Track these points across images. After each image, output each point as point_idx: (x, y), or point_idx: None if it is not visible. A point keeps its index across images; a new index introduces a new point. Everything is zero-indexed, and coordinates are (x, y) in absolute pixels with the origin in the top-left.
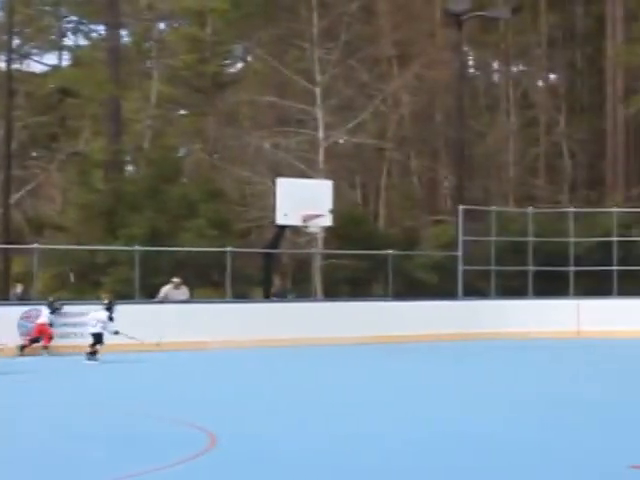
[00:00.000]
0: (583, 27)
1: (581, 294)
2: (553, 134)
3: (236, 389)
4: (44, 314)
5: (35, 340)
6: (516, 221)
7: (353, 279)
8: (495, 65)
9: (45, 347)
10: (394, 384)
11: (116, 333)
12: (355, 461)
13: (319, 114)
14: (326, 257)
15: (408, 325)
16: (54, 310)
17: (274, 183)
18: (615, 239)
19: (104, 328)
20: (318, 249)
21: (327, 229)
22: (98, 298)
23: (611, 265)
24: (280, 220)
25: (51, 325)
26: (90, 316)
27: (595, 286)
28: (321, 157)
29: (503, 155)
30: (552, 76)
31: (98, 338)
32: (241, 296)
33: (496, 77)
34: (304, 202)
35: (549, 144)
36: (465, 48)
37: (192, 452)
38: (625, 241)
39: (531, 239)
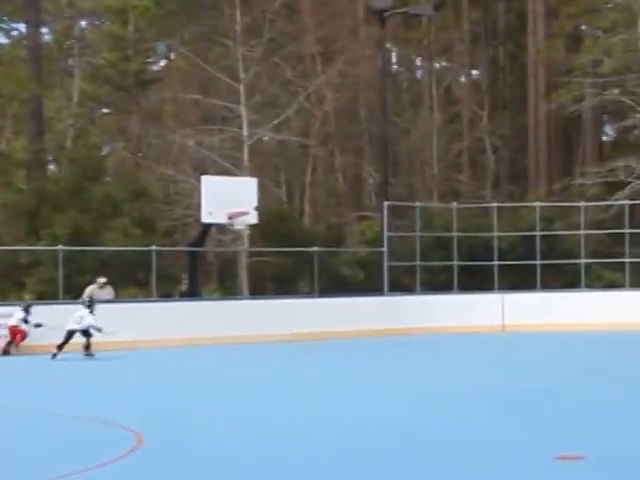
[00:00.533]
0: (505, 23)
1: (505, 288)
2: (476, 130)
3: (163, 388)
4: (15, 316)
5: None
6: (440, 216)
7: (279, 276)
8: (418, 62)
9: (16, 345)
10: (315, 380)
11: (99, 331)
12: (277, 457)
13: (243, 111)
14: (252, 255)
15: (334, 321)
16: (28, 311)
17: (199, 181)
18: (538, 233)
19: (89, 324)
20: (243, 247)
21: (252, 227)
22: (21, 299)
23: (534, 259)
24: (205, 218)
25: (26, 322)
26: (76, 315)
27: (519, 280)
28: (246, 155)
29: (427, 151)
30: (475, 72)
31: (86, 334)
32: (167, 295)
33: (419, 74)
34: (229, 200)
35: (472, 140)
36: (388, 45)
37: (119, 452)
38: (548, 235)
39: (455, 234)
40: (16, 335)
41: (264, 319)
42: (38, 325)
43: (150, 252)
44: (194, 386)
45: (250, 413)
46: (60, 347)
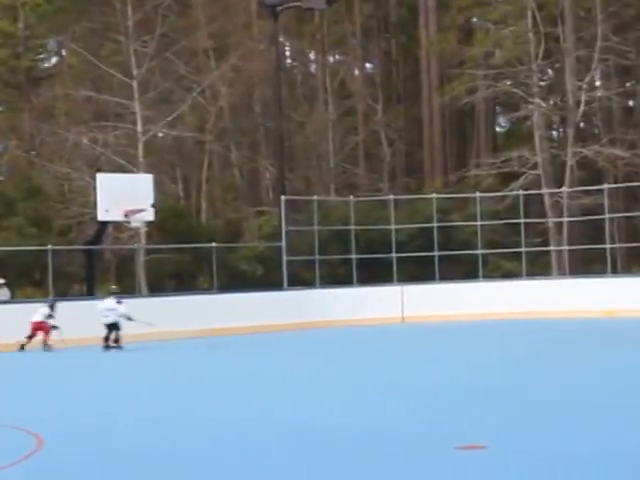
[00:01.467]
0: (397, 17)
1: (404, 280)
2: (371, 123)
3: (59, 389)
4: (40, 312)
5: (32, 337)
6: (338, 210)
7: (177, 273)
8: (312, 56)
9: (45, 342)
10: (215, 376)
11: (130, 319)
12: (178, 455)
13: (137, 108)
14: (149, 252)
15: (234, 317)
16: (53, 308)
17: (94, 179)
18: (435, 225)
19: (123, 316)
20: (141, 244)
21: (149, 224)
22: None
23: (432, 251)
24: (101, 216)
25: (50, 318)
26: (101, 307)
27: (418, 272)
28: (140, 151)
29: (323, 145)
30: (368, 65)
31: (114, 327)
32: (63, 294)
33: (313, 68)
34: (125, 197)
35: (368, 133)
36: (281, 39)
37: (19, 455)
38: (445, 226)
39: (353, 227)
40: (39, 331)
41: (163, 316)
42: (54, 327)
43: (46, 251)
44: (91, 385)
45: (153, 414)
46: (116, 340)
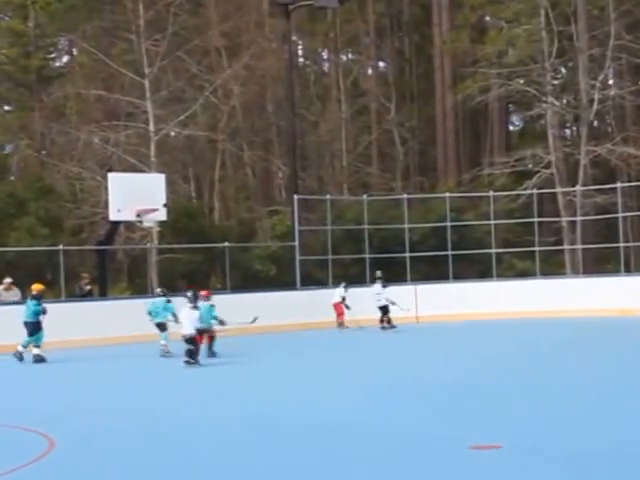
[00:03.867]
0: (410, 15)
1: (418, 280)
2: (384, 122)
3: (73, 391)
4: (338, 293)
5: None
6: (351, 209)
7: (190, 273)
8: (325, 54)
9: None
10: (227, 376)
11: (393, 303)
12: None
13: (149, 107)
14: (161, 252)
15: (247, 317)
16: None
17: (105, 178)
18: (448, 224)
19: (387, 300)
20: (153, 244)
21: (162, 223)
22: None
23: (446, 250)
24: (113, 216)
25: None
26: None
27: (431, 271)
28: (152, 151)
29: (336, 144)
30: (381, 64)
31: (385, 310)
32: (75, 295)
33: (326, 66)
34: (137, 197)
35: (381, 132)
36: (294, 38)
37: (31, 456)
38: (459, 226)
39: (366, 227)
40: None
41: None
42: (393, 303)
43: (57, 252)
44: (106, 389)
45: (159, 412)
46: (388, 320)
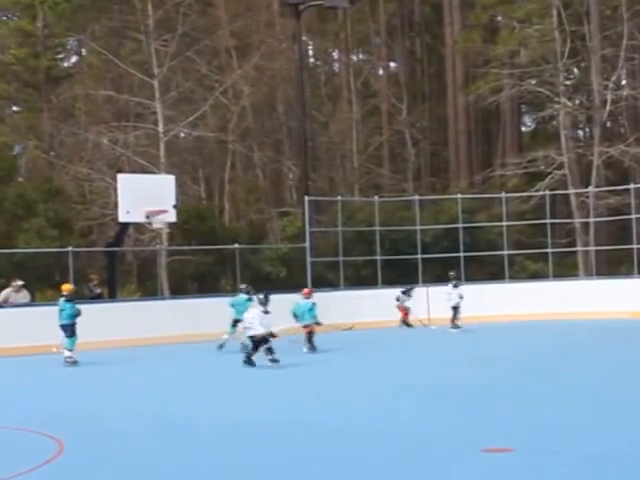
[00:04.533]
0: (421, 15)
1: (430, 281)
2: (395, 123)
3: (81, 393)
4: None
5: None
6: (362, 210)
7: (200, 275)
8: (335, 55)
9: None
10: (239, 379)
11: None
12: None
13: (158, 107)
14: (171, 254)
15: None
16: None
17: (115, 179)
18: (460, 225)
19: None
20: (163, 246)
21: (171, 225)
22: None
23: (458, 251)
24: (122, 217)
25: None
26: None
27: (443, 273)
28: (162, 151)
29: (347, 145)
30: (392, 64)
31: (456, 309)
32: (84, 296)
33: (337, 67)
34: (147, 198)
35: (392, 133)
36: (304, 38)
37: (41, 459)
38: (471, 227)
39: (378, 228)
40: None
41: (186, 319)
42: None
43: (66, 253)
44: (116, 391)
45: (172, 416)
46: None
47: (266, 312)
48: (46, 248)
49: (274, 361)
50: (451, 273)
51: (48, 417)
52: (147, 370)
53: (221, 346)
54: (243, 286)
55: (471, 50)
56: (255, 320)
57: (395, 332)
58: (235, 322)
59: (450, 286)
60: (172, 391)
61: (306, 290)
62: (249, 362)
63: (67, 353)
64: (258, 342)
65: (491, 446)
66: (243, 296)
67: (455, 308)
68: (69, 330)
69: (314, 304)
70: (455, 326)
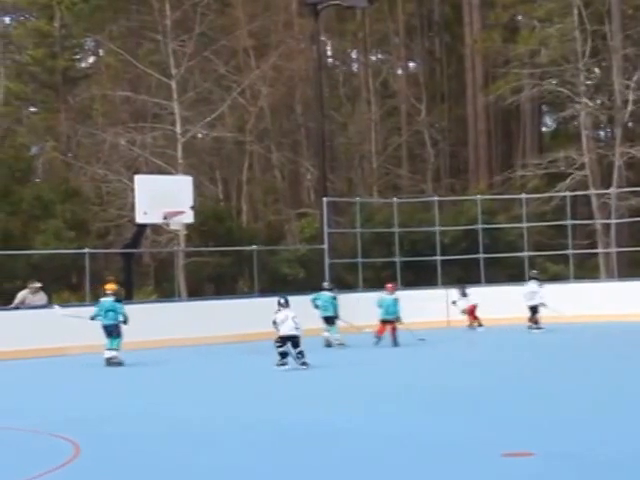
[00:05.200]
0: (440, 15)
1: (449, 283)
2: (415, 123)
3: (98, 395)
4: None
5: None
6: (381, 212)
7: (218, 277)
8: (354, 54)
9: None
10: (256, 381)
11: (543, 305)
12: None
13: (176, 108)
14: (189, 255)
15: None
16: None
17: (132, 181)
18: (480, 227)
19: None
20: (180, 247)
21: (189, 226)
22: None
23: (478, 253)
24: (140, 218)
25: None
26: (525, 291)
27: (463, 275)
28: (179, 152)
29: (365, 145)
30: (411, 64)
31: (535, 309)
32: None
33: (355, 67)
34: (164, 199)
35: (411, 133)
36: (323, 38)
37: (57, 462)
38: (491, 228)
39: (397, 229)
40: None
41: (203, 321)
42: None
43: (83, 255)
44: (130, 393)
45: (189, 418)
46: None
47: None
48: (63, 249)
49: (303, 364)
50: (533, 272)
51: (65, 419)
52: (164, 372)
53: (328, 345)
54: (326, 284)
55: (491, 50)
56: (288, 322)
57: (432, 333)
58: (325, 319)
59: (534, 284)
60: (190, 393)
61: (390, 285)
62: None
63: (113, 353)
64: (292, 343)
65: (511, 450)
66: (326, 293)
67: (534, 308)
68: (116, 330)
69: (397, 299)
70: (531, 326)
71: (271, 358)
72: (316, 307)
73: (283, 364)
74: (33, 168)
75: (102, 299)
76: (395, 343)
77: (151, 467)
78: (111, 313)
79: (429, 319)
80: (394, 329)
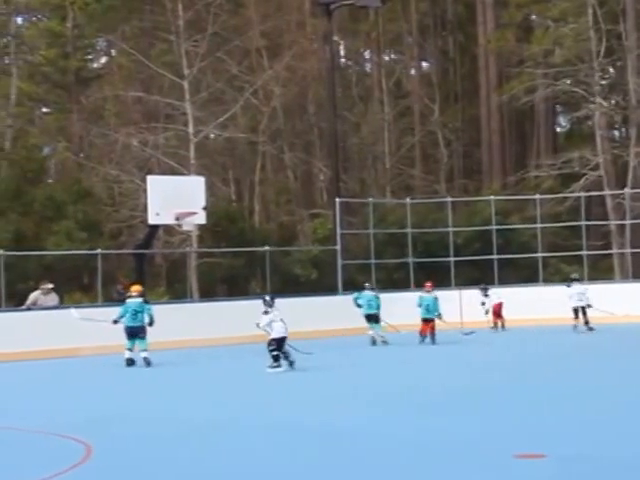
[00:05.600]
0: (454, 14)
1: (463, 284)
2: (428, 123)
3: (110, 396)
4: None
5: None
6: (394, 212)
7: (230, 278)
8: (367, 54)
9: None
10: (269, 382)
11: (589, 306)
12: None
13: (188, 108)
14: (201, 256)
15: (288, 323)
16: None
17: (144, 181)
18: (494, 227)
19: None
20: (192, 248)
21: (201, 227)
22: None
23: (491, 254)
24: (152, 219)
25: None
26: (571, 292)
27: (476, 276)
28: (192, 153)
29: (378, 146)
30: (425, 64)
31: (578, 311)
32: (113, 299)
33: (368, 67)
34: (176, 200)
35: (424, 133)
36: (336, 38)
37: (68, 464)
38: (504, 229)
39: (410, 230)
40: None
41: (215, 322)
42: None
43: (95, 255)
44: (141, 395)
45: (202, 420)
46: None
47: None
48: (75, 250)
49: (291, 363)
50: (574, 274)
51: (77, 420)
52: (177, 373)
53: (374, 342)
54: (368, 284)
55: (505, 49)
56: (277, 324)
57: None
58: (368, 317)
59: (580, 286)
60: (202, 395)
61: (428, 284)
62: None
63: (145, 354)
64: (278, 344)
65: (523, 452)
66: (368, 292)
67: (583, 309)
68: (142, 332)
69: (436, 298)
70: (590, 327)
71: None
72: (358, 306)
73: (277, 367)
74: (45, 169)
75: (128, 300)
76: (433, 341)
77: (164, 470)
78: (140, 315)
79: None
80: (433, 328)
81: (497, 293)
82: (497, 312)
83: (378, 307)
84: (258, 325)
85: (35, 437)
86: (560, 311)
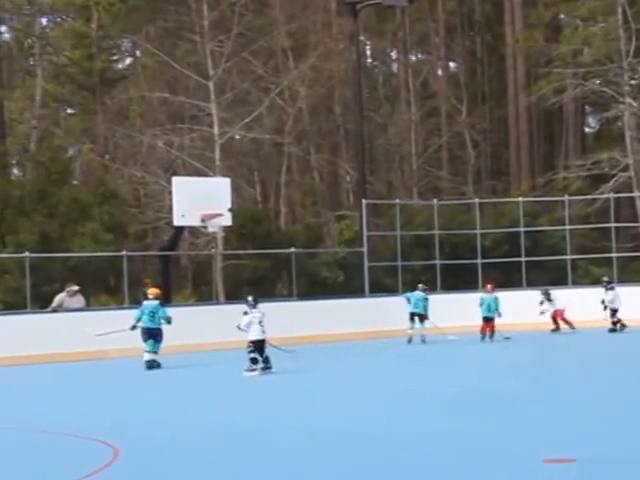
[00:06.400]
0: (481, 14)
1: None
2: (455, 124)
3: (137, 400)
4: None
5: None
6: (421, 214)
7: (256, 280)
8: (393, 55)
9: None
10: (293, 386)
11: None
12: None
13: (213, 109)
14: (227, 258)
15: (314, 325)
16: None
17: (169, 183)
18: (522, 229)
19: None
20: (218, 250)
21: (227, 229)
22: None
23: (519, 256)
24: (177, 221)
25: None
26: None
27: (504, 278)
28: (217, 154)
29: (405, 147)
30: (452, 64)
31: (614, 312)
32: (139, 301)
33: (395, 67)
34: (202, 201)
35: (451, 134)
36: (362, 38)
37: (96, 466)
38: (532, 231)
39: (437, 232)
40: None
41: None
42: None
43: (121, 257)
44: (171, 397)
45: (230, 424)
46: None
47: (260, 324)
48: (100, 252)
49: (268, 369)
50: (604, 278)
51: (104, 423)
52: (205, 376)
53: (410, 340)
54: (421, 285)
55: (533, 49)
56: (254, 326)
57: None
58: (412, 315)
59: (615, 289)
60: (230, 398)
61: (490, 285)
62: (253, 369)
63: (153, 356)
64: (257, 347)
65: (553, 456)
66: (419, 293)
67: (616, 310)
68: (160, 334)
69: (497, 297)
70: (622, 326)
71: (306, 362)
72: (407, 300)
73: (253, 370)
74: (70, 170)
75: (145, 302)
76: (491, 338)
77: (190, 474)
78: (157, 316)
79: (468, 323)
80: (493, 327)
81: (559, 298)
82: (562, 318)
83: (424, 308)
84: (239, 327)
85: (61, 439)
86: (591, 314)
